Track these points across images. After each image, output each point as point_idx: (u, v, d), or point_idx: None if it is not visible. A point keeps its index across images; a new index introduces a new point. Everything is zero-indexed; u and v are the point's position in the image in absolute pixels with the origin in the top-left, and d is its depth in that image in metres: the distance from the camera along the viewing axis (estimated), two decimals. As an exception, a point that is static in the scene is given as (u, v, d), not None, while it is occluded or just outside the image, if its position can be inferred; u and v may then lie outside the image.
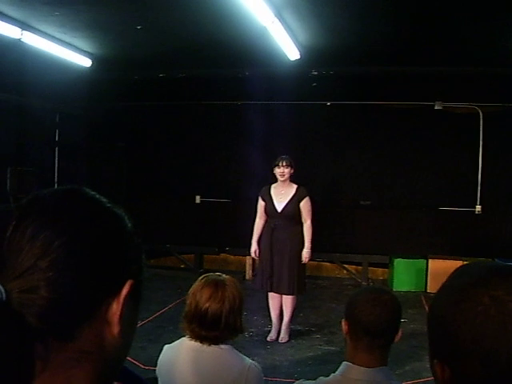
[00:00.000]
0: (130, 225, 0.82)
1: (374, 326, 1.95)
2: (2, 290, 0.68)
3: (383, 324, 1.96)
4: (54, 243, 0.72)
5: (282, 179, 6.19)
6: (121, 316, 0.76)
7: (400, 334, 2.04)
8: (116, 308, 0.76)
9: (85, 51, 7.50)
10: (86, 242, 0.74)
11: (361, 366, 1.96)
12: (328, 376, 2.03)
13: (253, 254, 6.46)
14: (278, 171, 6.18)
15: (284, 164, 6.15)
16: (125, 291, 0.76)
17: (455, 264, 1.04)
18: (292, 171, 6.19)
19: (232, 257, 10.02)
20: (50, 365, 0.71)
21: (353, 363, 1.98)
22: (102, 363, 0.76)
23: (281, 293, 6.21)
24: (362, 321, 1.97)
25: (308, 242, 6.16)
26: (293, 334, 6.41)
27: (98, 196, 0.82)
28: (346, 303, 2.10)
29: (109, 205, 0.82)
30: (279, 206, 6.18)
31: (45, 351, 0.70)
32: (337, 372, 2.01)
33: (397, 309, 2.03)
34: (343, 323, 2.06)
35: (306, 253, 6.17)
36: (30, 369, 0.69)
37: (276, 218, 6.21)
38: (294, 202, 6.15)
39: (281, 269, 6.15)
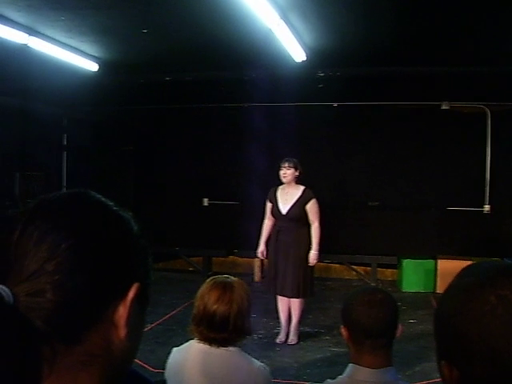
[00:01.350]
0: (136, 228, 0.83)
1: (375, 328, 1.93)
2: (10, 294, 0.68)
3: (383, 324, 1.95)
4: (60, 246, 0.72)
5: (285, 181, 6.20)
6: (127, 319, 0.76)
7: (400, 328, 2.03)
8: (123, 311, 0.76)
9: (91, 55, 7.52)
10: (93, 245, 0.74)
11: (367, 367, 1.95)
12: (335, 378, 2.02)
13: (259, 255, 6.47)
14: (280, 173, 6.21)
15: (286, 165, 6.17)
16: (131, 294, 0.77)
17: (464, 264, 1.04)
18: (297, 173, 6.19)
19: (240, 259, 10.02)
20: (57, 368, 0.71)
21: (359, 365, 1.97)
22: (109, 366, 0.76)
23: (285, 295, 6.21)
24: (361, 324, 1.95)
25: (315, 244, 6.15)
26: (302, 335, 6.41)
27: (103, 199, 0.82)
28: (340, 309, 2.08)
29: (115, 208, 0.82)
30: (284, 209, 6.18)
31: (52, 354, 0.70)
32: (343, 374, 2.00)
33: (392, 305, 2.01)
34: (342, 329, 2.05)
35: (313, 255, 6.15)
36: (37, 372, 0.70)
37: (281, 220, 6.21)
38: (300, 204, 6.14)
39: (285, 271, 6.14)
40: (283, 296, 6.22)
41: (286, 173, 6.16)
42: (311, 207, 6.15)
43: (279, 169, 6.22)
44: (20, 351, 0.67)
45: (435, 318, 0.95)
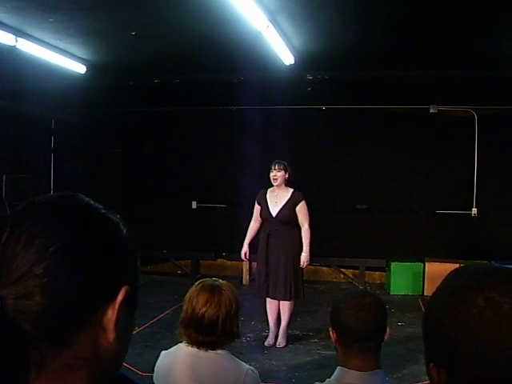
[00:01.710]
0: (125, 231, 0.82)
1: (363, 331, 1.93)
2: (-3, 297, 0.68)
3: (371, 327, 1.94)
4: (48, 249, 0.71)
5: (275, 183, 6.19)
6: (116, 322, 0.76)
7: (389, 332, 2.03)
8: (111, 314, 0.75)
9: (79, 57, 7.50)
10: (81, 248, 0.74)
11: (355, 370, 1.95)
12: (323, 381, 2.02)
13: (242, 256, 6.45)
14: (271, 175, 6.19)
15: (277, 168, 6.16)
16: (120, 297, 0.76)
17: (452, 267, 1.05)
18: (287, 176, 6.18)
19: (229, 262, 10.00)
20: (45, 371, 0.71)
21: (347, 368, 1.97)
22: (98, 370, 0.76)
23: (277, 298, 6.20)
24: (349, 328, 1.95)
25: (306, 245, 6.15)
26: (290, 338, 6.40)
27: (92, 202, 0.82)
28: (329, 312, 2.08)
29: (104, 211, 0.81)
30: (274, 211, 6.18)
31: (40, 358, 0.70)
32: (332, 377, 1.99)
33: (381, 309, 2.01)
34: (331, 332, 2.05)
35: (304, 257, 6.15)
36: (25, 376, 0.69)
37: (271, 223, 6.20)
38: (289, 206, 6.14)
39: (277, 274, 6.13)
40: (275, 299, 6.21)
41: (277, 175, 6.15)
42: (301, 209, 6.15)
43: (269, 171, 6.22)
44: (8, 354, 0.67)
45: (424, 320, 0.95)
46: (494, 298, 0.84)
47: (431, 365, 0.90)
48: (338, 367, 2.00)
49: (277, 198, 6.20)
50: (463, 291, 0.88)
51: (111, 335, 0.76)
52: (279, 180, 6.16)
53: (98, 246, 0.76)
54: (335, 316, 2.02)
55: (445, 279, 0.96)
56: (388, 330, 2.03)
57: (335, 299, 2.12)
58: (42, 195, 0.80)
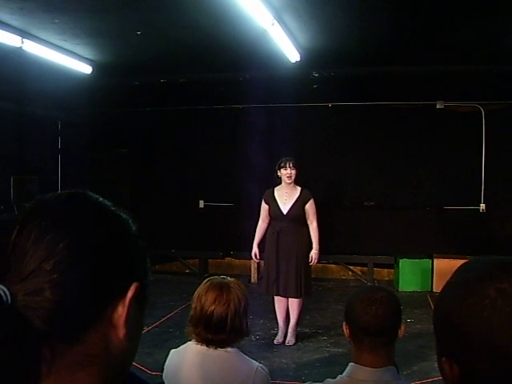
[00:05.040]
0: (134, 228, 0.82)
1: (373, 326, 1.93)
2: (7, 293, 0.68)
3: (381, 322, 1.94)
4: (58, 245, 0.71)
5: (289, 181, 6.14)
6: (126, 319, 0.76)
7: (404, 328, 2.03)
8: (122, 311, 0.75)
9: (85, 58, 7.52)
10: (91, 244, 0.74)
11: (367, 366, 1.95)
12: (335, 378, 2.02)
13: (253, 257, 6.44)
14: (284, 173, 6.13)
15: (291, 166, 6.11)
16: (130, 294, 0.76)
17: (461, 263, 1.04)
18: (297, 173, 6.17)
19: (237, 261, 10.01)
20: (56, 368, 0.71)
21: (359, 364, 1.97)
22: (108, 367, 0.75)
23: (288, 296, 6.19)
24: (359, 322, 1.96)
25: (316, 243, 6.15)
26: (299, 336, 6.40)
27: (101, 199, 0.82)
28: (338, 309, 2.09)
29: (113, 208, 0.82)
30: (285, 209, 6.15)
31: (51, 354, 0.70)
32: (344, 373, 1.99)
33: (393, 305, 2.01)
34: (344, 326, 2.05)
35: (314, 254, 6.15)
36: (36, 372, 0.69)
37: (281, 221, 6.18)
38: (300, 204, 6.13)
39: (288, 272, 6.12)
40: (286, 297, 6.20)
41: (292, 173, 6.10)
42: (310, 207, 6.14)
43: (281, 168, 6.13)
44: (18, 351, 0.67)
45: (435, 314, 0.95)
46: (505, 289, 0.83)
47: (443, 359, 0.90)
48: (350, 363, 2.00)
49: (286, 196, 6.18)
50: (474, 283, 0.87)
51: (121, 332, 0.75)
52: (293, 177, 6.13)
53: (107, 242, 0.76)
54: (348, 310, 2.03)
55: (455, 272, 0.95)
56: (402, 327, 2.02)
57: (348, 295, 2.12)
58: (51, 193, 0.80)
